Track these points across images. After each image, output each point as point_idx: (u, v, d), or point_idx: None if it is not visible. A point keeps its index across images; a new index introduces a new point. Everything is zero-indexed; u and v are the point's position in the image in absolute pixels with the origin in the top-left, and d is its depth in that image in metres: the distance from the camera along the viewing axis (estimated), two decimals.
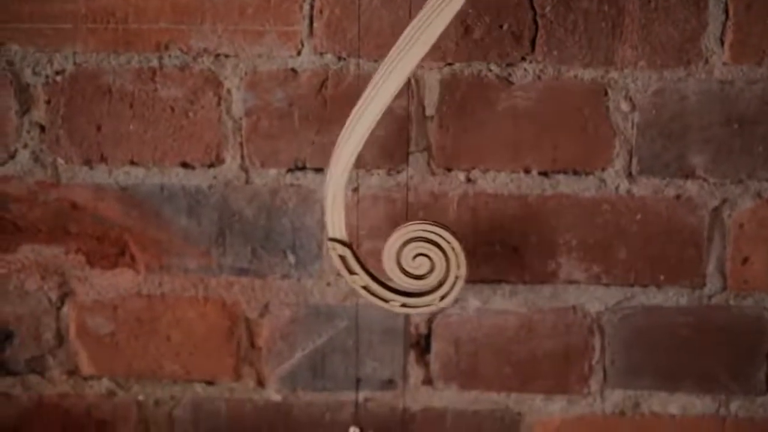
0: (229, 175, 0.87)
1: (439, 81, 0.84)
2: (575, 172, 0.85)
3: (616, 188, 0.85)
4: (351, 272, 0.78)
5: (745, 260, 0.86)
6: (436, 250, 0.76)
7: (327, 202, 0.76)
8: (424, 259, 0.76)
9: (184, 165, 0.87)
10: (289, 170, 0.86)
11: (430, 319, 0.89)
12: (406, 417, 0.91)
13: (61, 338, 0.91)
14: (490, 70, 0.84)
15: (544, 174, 0.85)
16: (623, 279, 0.87)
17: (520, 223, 0.86)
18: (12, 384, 0.92)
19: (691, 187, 0.85)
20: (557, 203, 0.86)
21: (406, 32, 0.72)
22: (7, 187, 0.88)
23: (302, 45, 0.84)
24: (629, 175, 0.85)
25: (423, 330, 0.89)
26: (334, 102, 0.85)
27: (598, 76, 0.83)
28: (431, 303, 0.77)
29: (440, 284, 0.77)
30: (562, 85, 0.84)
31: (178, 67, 0.85)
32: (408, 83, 0.82)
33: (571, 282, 0.87)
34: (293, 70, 0.84)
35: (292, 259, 0.88)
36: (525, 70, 0.83)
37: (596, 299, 0.88)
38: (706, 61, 0.82)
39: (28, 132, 0.86)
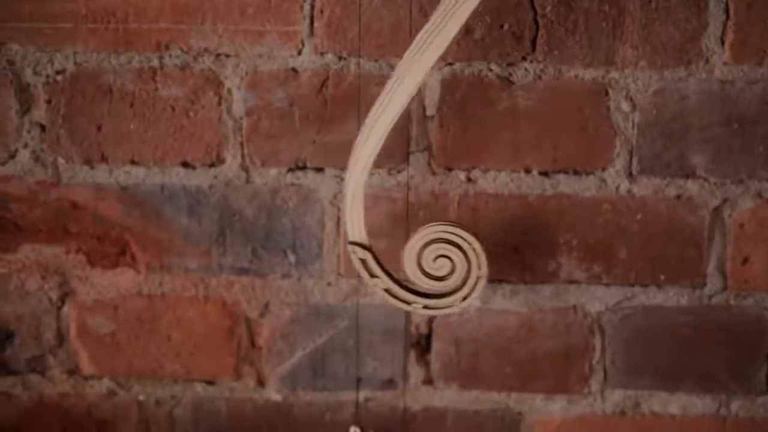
0: (230, 174, 0.87)
1: (440, 81, 0.84)
2: (576, 172, 0.85)
3: (617, 188, 0.85)
4: (372, 275, 0.77)
5: (746, 260, 0.86)
6: (457, 251, 0.76)
7: (346, 205, 0.76)
8: (445, 261, 0.76)
9: (185, 165, 0.87)
10: (290, 170, 0.86)
11: (431, 319, 0.89)
12: (406, 417, 0.91)
13: (61, 338, 0.91)
14: (491, 70, 0.84)
15: (544, 174, 0.85)
16: (624, 279, 0.87)
17: (520, 223, 0.86)
18: (12, 383, 0.92)
19: (691, 187, 0.85)
20: (558, 203, 0.86)
21: (419, 36, 0.73)
22: (8, 187, 0.88)
23: (303, 45, 0.84)
24: (630, 175, 0.85)
25: (423, 330, 0.89)
26: (334, 102, 0.85)
27: (599, 76, 0.83)
28: (453, 304, 0.77)
29: (462, 285, 0.77)
30: (562, 85, 0.83)
31: (179, 66, 0.85)
32: None
33: (571, 282, 0.87)
34: (294, 69, 0.84)
35: (292, 258, 0.88)
36: (525, 69, 0.83)
37: (597, 299, 0.88)
38: (707, 61, 0.82)
39: (29, 131, 0.86)
